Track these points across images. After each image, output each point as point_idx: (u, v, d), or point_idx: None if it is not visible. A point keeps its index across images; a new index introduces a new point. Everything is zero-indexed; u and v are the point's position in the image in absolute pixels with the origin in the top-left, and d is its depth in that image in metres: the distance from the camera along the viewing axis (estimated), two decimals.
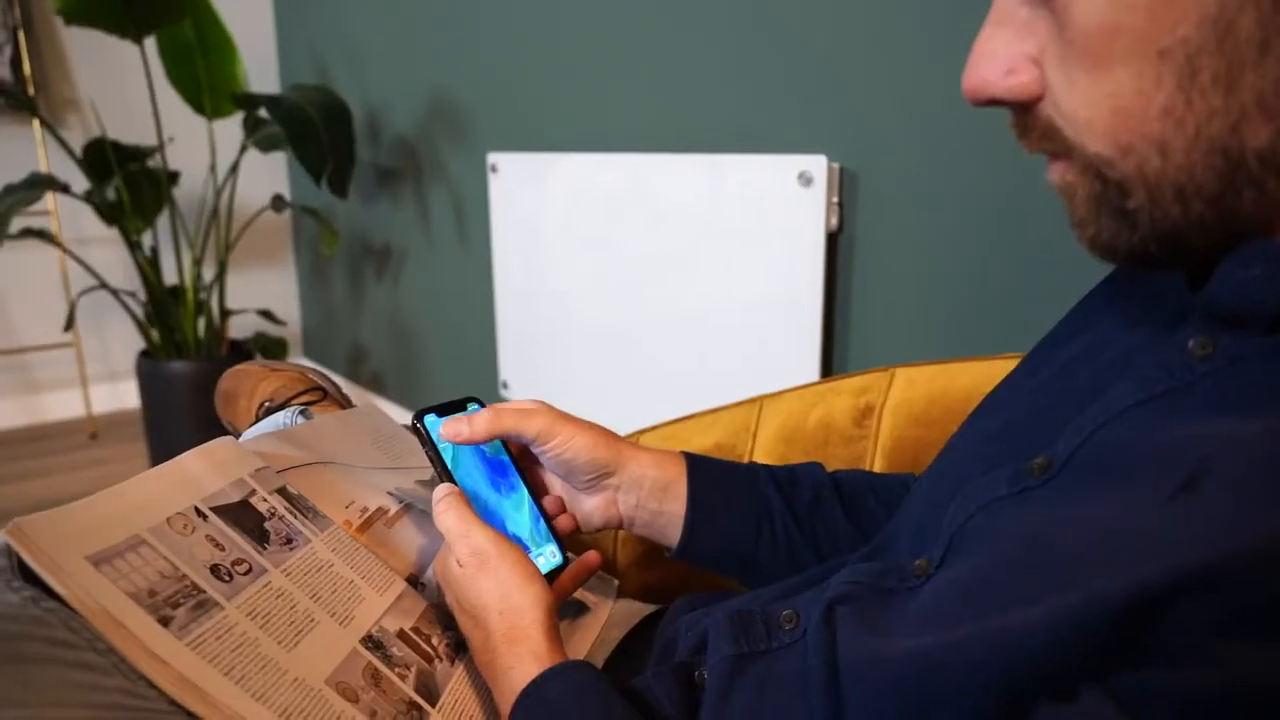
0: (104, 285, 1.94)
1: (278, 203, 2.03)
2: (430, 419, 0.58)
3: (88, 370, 2.43)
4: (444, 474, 0.57)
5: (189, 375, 1.95)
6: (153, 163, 2.03)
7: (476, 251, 1.92)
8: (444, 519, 0.53)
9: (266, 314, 2.09)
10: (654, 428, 0.86)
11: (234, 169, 1.94)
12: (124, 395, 2.55)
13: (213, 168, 1.97)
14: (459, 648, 0.54)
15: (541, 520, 0.59)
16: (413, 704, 0.48)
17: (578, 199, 1.56)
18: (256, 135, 1.94)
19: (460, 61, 1.85)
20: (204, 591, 0.43)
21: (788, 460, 0.80)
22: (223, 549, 0.46)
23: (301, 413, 0.69)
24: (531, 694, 0.47)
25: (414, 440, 0.72)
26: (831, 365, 1.24)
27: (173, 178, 2.04)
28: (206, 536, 0.46)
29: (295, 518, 0.52)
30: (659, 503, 0.60)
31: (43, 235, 1.87)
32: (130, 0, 1.66)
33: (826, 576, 0.50)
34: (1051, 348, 0.51)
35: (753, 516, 0.61)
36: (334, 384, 0.82)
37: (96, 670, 0.36)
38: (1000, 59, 0.37)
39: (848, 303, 1.20)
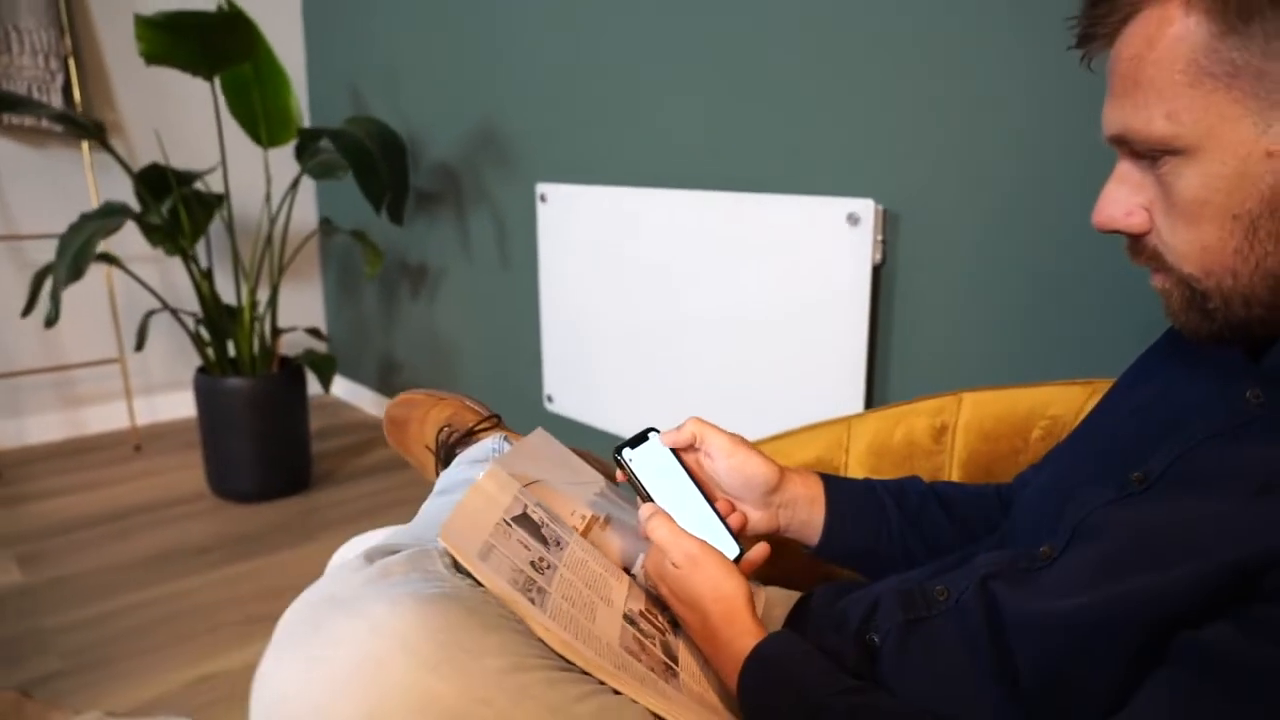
0: (166, 306, 2.05)
1: (326, 226, 2.15)
2: (627, 452, 0.74)
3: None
4: (644, 495, 0.72)
5: (245, 391, 2.07)
6: (200, 186, 2.15)
7: (521, 273, 2.06)
8: (656, 532, 0.68)
9: (314, 332, 2.22)
10: (760, 442, 1.03)
11: (294, 187, 2.06)
12: (160, 408, 2.66)
13: (268, 197, 2.09)
14: (674, 623, 0.69)
15: (718, 520, 0.75)
16: (667, 665, 0.63)
17: (629, 230, 1.72)
18: (310, 164, 2.06)
19: (511, 94, 1.99)
20: (535, 582, 0.58)
21: (879, 472, 0.97)
22: (528, 549, 0.61)
23: (505, 439, 0.83)
24: (756, 655, 0.62)
25: (580, 460, 0.87)
26: (874, 385, 1.41)
27: (220, 199, 2.15)
28: (518, 540, 0.61)
29: (553, 524, 0.68)
30: (807, 514, 0.77)
31: (112, 260, 1.98)
32: (206, 43, 1.78)
33: (958, 565, 0.67)
34: (1125, 390, 0.68)
35: (875, 522, 0.78)
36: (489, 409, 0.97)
37: (525, 635, 0.51)
38: (1122, 205, 0.54)
39: (889, 328, 1.38)
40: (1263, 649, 0.44)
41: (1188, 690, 0.45)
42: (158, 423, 2.67)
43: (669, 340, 1.69)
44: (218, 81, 1.95)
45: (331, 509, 2.10)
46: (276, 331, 2.14)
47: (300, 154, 2.12)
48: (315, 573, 1.75)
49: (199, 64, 1.82)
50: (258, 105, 2.07)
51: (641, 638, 0.63)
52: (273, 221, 2.08)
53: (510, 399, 2.18)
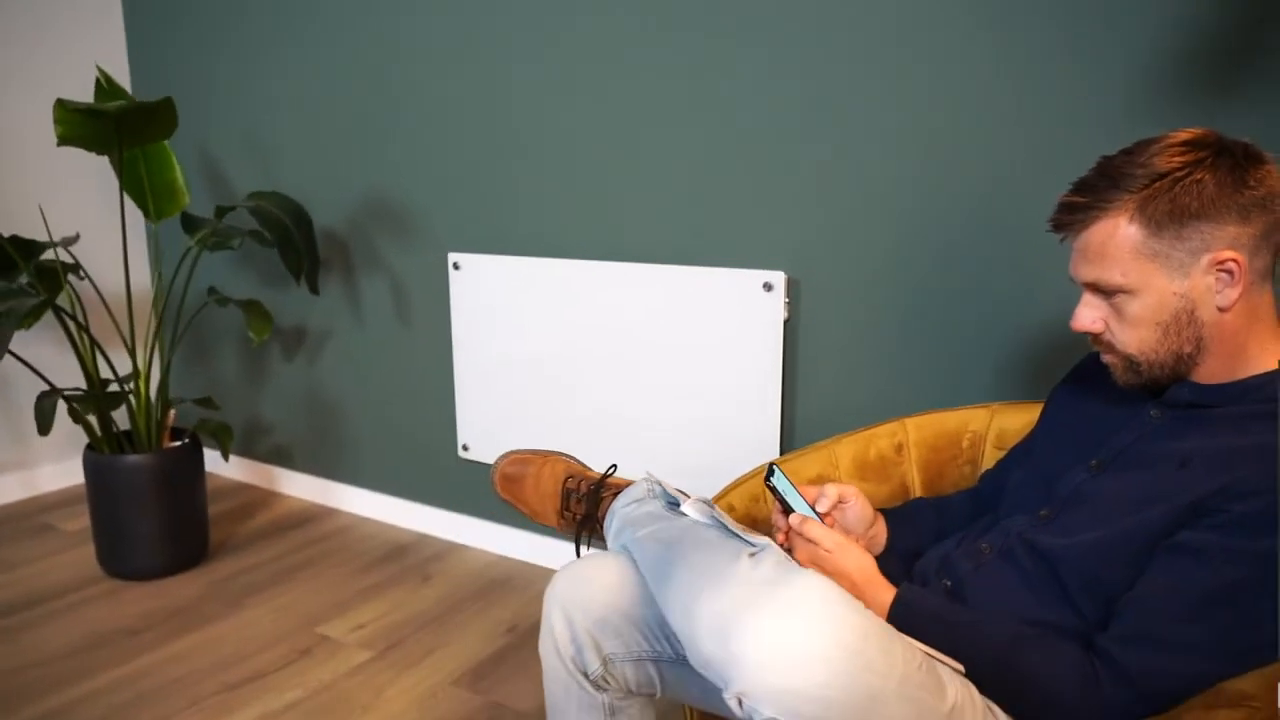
0: (53, 388, 1.98)
1: (215, 295, 2.18)
2: (771, 480, 1.06)
3: None
4: (787, 508, 1.05)
5: (147, 467, 2.04)
6: (51, 257, 2.08)
7: (429, 335, 2.24)
8: (813, 531, 1.01)
9: (206, 401, 2.21)
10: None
11: (195, 261, 2.07)
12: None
13: (159, 274, 2.08)
14: None
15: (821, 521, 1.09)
16: None
17: (557, 297, 1.98)
18: (209, 236, 2.09)
19: (418, 168, 2.17)
20: None
21: (865, 479, 1.36)
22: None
23: (659, 483, 1.10)
24: (899, 600, 0.97)
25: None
26: (785, 417, 1.80)
27: (72, 267, 2.10)
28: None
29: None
30: (880, 538, 1.16)
31: None
32: (122, 126, 1.80)
33: (989, 529, 1.06)
34: (1059, 411, 1.12)
35: (917, 532, 1.18)
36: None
37: None
38: (1089, 318, 0.97)
39: (795, 372, 1.78)
40: (1208, 536, 0.86)
41: (1171, 565, 0.86)
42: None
43: (597, 389, 1.97)
44: (104, 159, 1.93)
45: (246, 575, 2.13)
46: (167, 404, 2.13)
47: (189, 227, 2.13)
48: (273, 635, 1.87)
49: (112, 144, 1.82)
50: (145, 179, 2.07)
51: None
52: (167, 294, 2.08)
53: (420, 447, 2.33)
